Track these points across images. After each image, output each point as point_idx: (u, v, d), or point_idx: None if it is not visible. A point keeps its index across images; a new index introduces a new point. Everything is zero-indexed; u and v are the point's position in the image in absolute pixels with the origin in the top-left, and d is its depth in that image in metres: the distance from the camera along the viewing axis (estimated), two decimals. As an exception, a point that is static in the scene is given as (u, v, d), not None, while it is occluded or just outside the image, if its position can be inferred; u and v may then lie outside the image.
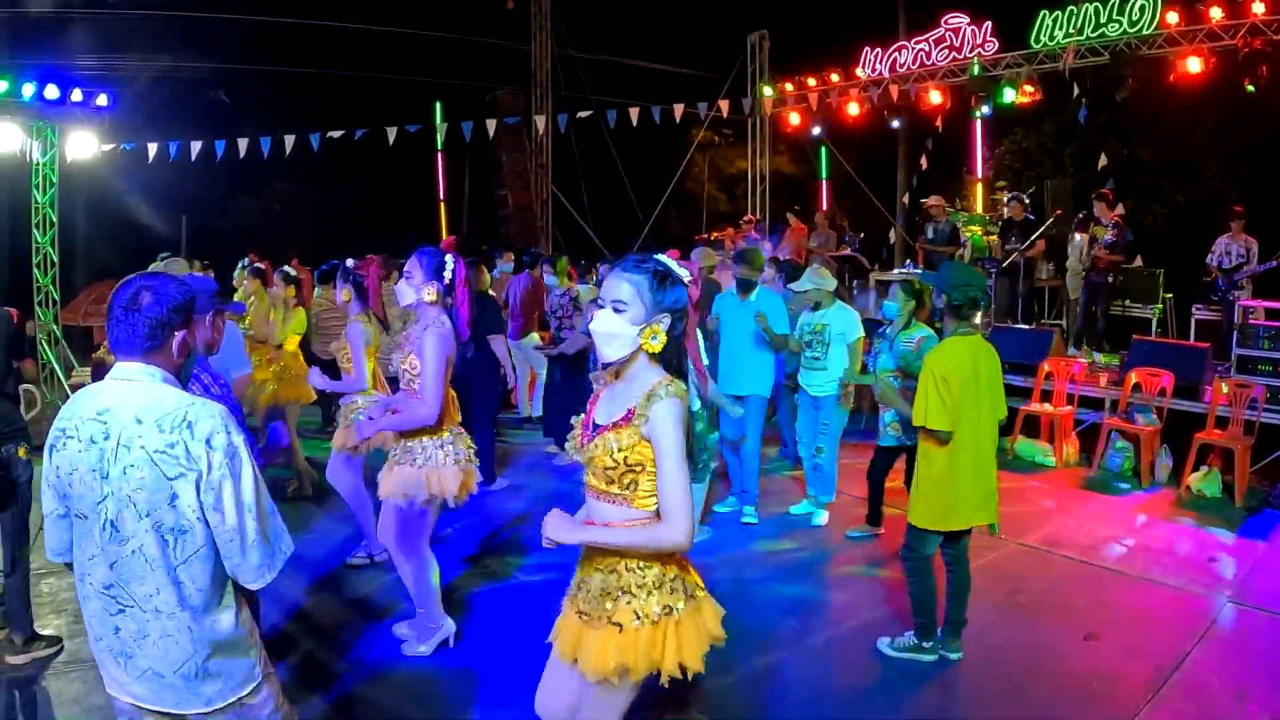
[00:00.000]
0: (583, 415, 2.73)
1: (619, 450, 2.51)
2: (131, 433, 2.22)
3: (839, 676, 4.50)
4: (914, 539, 4.48)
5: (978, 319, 4.85)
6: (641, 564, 2.57)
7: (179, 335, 2.37)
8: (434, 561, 4.50)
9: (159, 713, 2.36)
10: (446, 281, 4.29)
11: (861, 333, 6.61)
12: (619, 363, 2.57)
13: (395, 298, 4.53)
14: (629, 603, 2.55)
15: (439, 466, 4.23)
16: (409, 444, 4.28)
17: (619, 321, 2.52)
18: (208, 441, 2.24)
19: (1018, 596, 5.36)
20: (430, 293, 4.23)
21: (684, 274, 2.64)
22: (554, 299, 8.88)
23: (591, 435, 2.61)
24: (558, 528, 2.57)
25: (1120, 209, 10.33)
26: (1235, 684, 4.26)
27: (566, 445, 2.76)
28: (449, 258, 4.34)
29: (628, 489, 2.55)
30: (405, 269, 4.34)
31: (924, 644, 4.54)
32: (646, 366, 2.58)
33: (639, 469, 2.52)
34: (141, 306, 2.30)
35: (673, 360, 2.61)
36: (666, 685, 2.57)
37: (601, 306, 2.56)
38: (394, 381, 5.09)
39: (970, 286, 4.29)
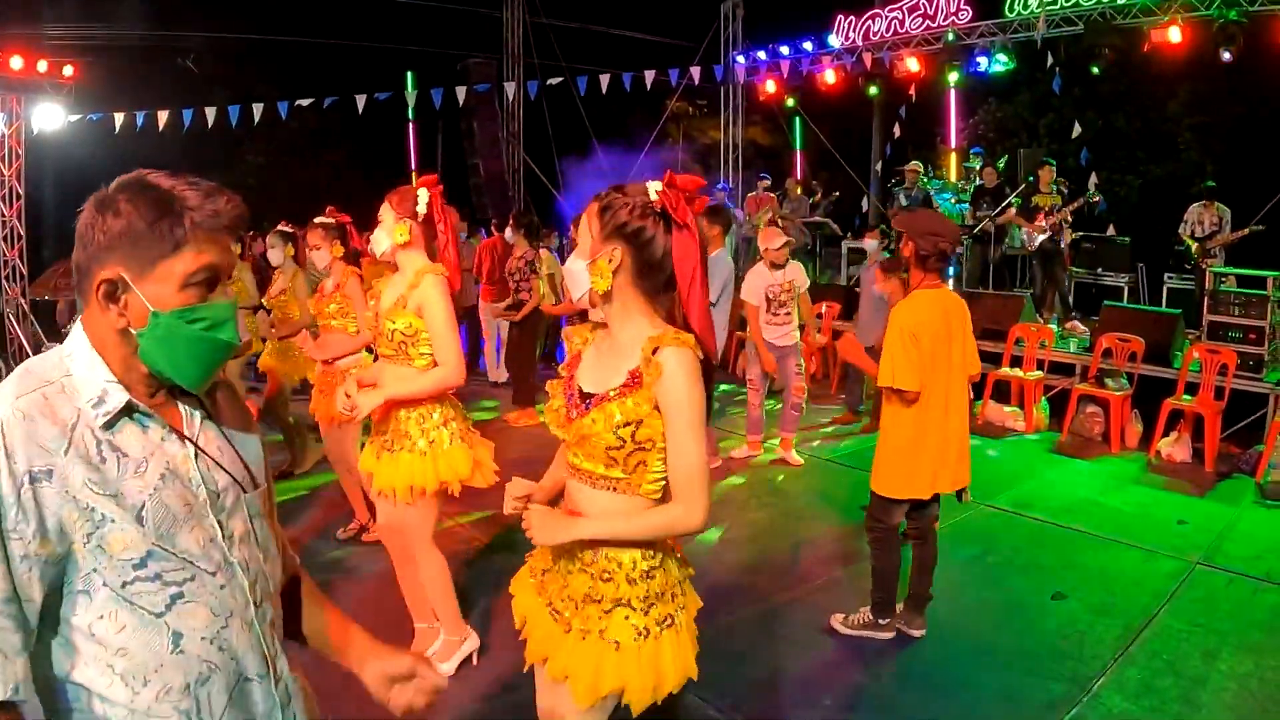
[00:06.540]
0: (558, 379, 2.23)
1: (625, 425, 2.01)
2: None
3: (800, 638, 4.42)
4: (878, 509, 4.21)
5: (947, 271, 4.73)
6: (644, 570, 2.10)
7: None
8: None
9: None
10: (423, 217, 3.64)
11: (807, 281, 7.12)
12: (582, 305, 2.15)
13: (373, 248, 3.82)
14: (627, 617, 2.08)
15: (444, 448, 3.60)
16: (405, 426, 3.59)
17: (574, 258, 2.11)
18: None
19: (986, 558, 5.39)
20: (403, 231, 3.60)
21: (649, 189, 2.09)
22: (512, 262, 8.84)
23: (583, 406, 2.09)
24: (545, 528, 2.10)
25: (1094, 178, 10.37)
26: (1203, 644, 4.29)
27: (546, 419, 2.23)
28: (423, 190, 3.65)
29: (634, 472, 2.05)
30: (379, 215, 3.71)
31: (880, 620, 4.31)
32: (636, 315, 2.09)
33: (649, 446, 2.02)
34: None
35: (654, 302, 2.11)
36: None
37: None
38: None
39: (939, 236, 3.98)
